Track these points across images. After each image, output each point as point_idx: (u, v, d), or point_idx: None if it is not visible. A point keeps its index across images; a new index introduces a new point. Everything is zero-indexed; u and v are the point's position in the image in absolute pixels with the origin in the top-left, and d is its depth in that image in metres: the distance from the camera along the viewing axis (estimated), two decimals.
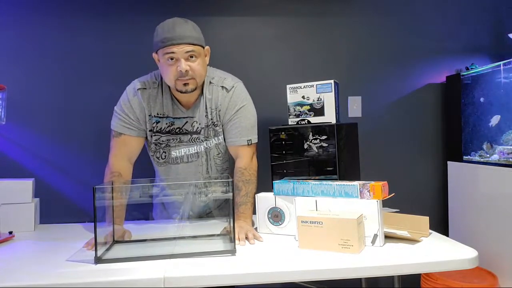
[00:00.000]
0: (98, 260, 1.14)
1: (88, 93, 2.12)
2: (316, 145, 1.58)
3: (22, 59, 2.09)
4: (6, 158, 2.07)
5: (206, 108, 1.52)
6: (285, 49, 2.27)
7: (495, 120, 2.06)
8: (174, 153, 1.55)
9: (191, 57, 1.39)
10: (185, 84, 1.40)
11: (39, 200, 1.69)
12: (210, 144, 1.56)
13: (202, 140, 1.54)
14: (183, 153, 1.55)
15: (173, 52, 1.36)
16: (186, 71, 1.37)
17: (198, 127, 1.53)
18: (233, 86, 1.53)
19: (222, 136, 1.56)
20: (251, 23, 2.25)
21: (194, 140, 1.54)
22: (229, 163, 1.65)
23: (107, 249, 1.26)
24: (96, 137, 2.09)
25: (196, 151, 1.55)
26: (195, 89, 1.44)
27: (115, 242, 1.35)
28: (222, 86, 1.52)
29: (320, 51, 2.28)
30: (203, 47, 1.44)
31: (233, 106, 1.52)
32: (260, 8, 2.25)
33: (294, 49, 2.27)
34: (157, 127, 1.52)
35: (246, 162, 1.52)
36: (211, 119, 1.53)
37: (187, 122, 1.53)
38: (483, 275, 1.97)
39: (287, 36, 2.27)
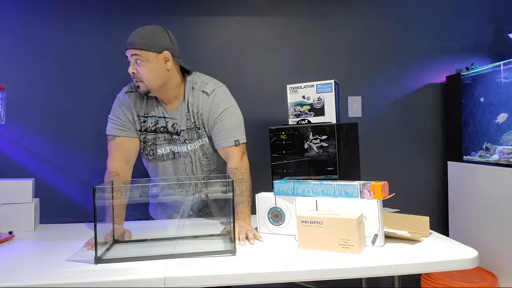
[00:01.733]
0: (98, 260, 1.14)
1: (88, 93, 2.12)
2: (316, 145, 1.58)
3: (22, 59, 2.09)
4: (6, 158, 2.07)
5: (188, 112, 1.57)
6: (285, 49, 2.27)
7: (502, 118, 2.05)
8: (160, 150, 1.61)
9: (138, 61, 1.47)
10: (138, 87, 1.51)
11: (39, 200, 1.69)
12: (195, 146, 1.60)
13: (182, 141, 1.59)
14: (168, 151, 1.61)
15: (126, 56, 1.49)
16: (132, 73, 1.48)
17: (178, 129, 1.59)
18: (213, 90, 1.57)
19: (206, 138, 1.60)
20: (251, 23, 2.25)
21: (174, 140, 1.60)
22: (217, 165, 1.67)
23: (107, 249, 1.26)
24: (96, 137, 2.09)
25: (177, 151, 1.61)
26: (148, 92, 1.51)
27: (115, 242, 1.35)
28: (203, 91, 1.57)
29: (320, 51, 2.28)
30: (157, 53, 1.48)
31: (216, 109, 1.56)
32: (260, 8, 2.25)
33: (294, 49, 2.27)
34: (144, 126, 1.59)
35: (237, 162, 1.54)
36: (194, 122, 1.58)
37: (168, 122, 1.59)
38: (483, 275, 1.97)
39: (287, 36, 2.27)
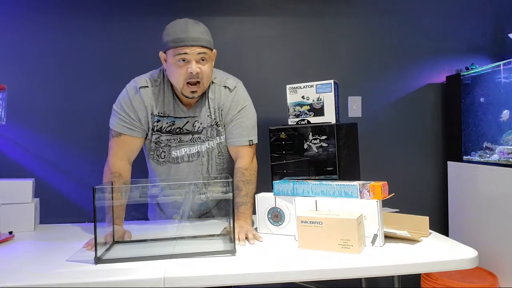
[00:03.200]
0: (98, 260, 1.14)
1: (88, 93, 2.12)
2: (316, 145, 1.58)
3: (22, 59, 2.09)
4: (6, 158, 2.07)
5: (209, 108, 1.52)
6: (285, 49, 2.27)
7: (505, 115, 2.04)
8: (175, 153, 1.55)
9: (202, 59, 1.39)
10: (192, 92, 1.41)
11: (39, 200, 1.69)
12: (213, 144, 1.56)
13: (203, 140, 1.54)
14: (183, 153, 1.55)
15: (185, 53, 1.35)
16: (197, 73, 1.37)
17: (199, 127, 1.53)
18: (235, 86, 1.54)
19: (224, 135, 1.57)
20: (251, 23, 2.25)
21: (195, 140, 1.53)
22: (228, 164, 1.65)
23: (107, 249, 1.26)
24: (96, 137, 2.09)
25: (197, 150, 1.55)
26: (201, 95, 1.46)
27: (115, 242, 1.35)
28: (225, 86, 1.53)
29: (320, 51, 2.28)
30: (212, 51, 1.45)
31: (236, 106, 1.52)
32: (260, 8, 2.25)
33: (294, 49, 2.27)
34: (157, 126, 1.51)
35: (247, 162, 1.52)
36: (214, 119, 1.53)
37: (188, 121, 1.52)
38: (483, 275, 1.97)
39: (287, 36, 2.27)
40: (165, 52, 1.41)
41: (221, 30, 2.22)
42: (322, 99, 1.66)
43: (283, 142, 1.64)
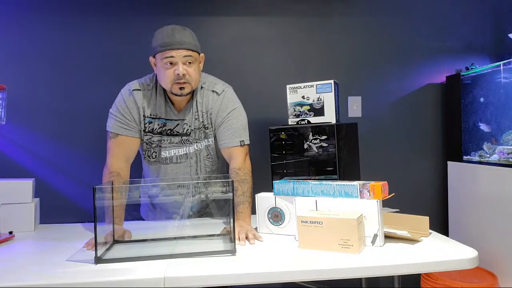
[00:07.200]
0: (98, 260, 1.14)
1: (88, 93, 2.12)
2: (316, 145, 1.58)
3: (22, 59, 2.09)
4: (6, 158, 2.07)
5: (197, 111, 1.57)
6: (285, 49, 2.27)
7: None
8: (164, 153, 1.59)
9: (189, 62, 1.45)
10: (181, 88, 1.46)
11: (39, 200, 1.69)
12: (201, 146, 1.60)
13: (191, 142, 1.59)
14: (172, 154, 1.59)
15: (172, 56, 1.42)
16: (183, 74, 1.43)
17: (188, 129, 1.58)
18: (223, 90, 1.58)
19: (212, 138, 1.60)
20: (251, 23, 2.25)
21: (184, 141, 1.58)
22: (218, 165, 1.68)
23: (107, 249, 1.26)
24: (96, 137, 2.08)
25: (185, 152, 1.59)
26: (190, 93, 1.50)
27: (115, 242, 1.35)
28: (213, 91, 1.57)
29: (320, 51, 2.28)
30: (199, 54, 1.50)
31: (225, 109, 1.56)
32: (260, 8, 2.25)
33: (294, 49, 2.27)
34: (149, 127, 1.56)
35: (240, 162, 1.54)
36: (202, 121, 1.57)
37: (178, 124, 1.57)
38: (483, 275, 1.97)
39: (287, 36, 2.27)
40: (154, 57, 1.48)
41: (221, 30, 2.22)
42: (322, 99, 1.66)
43: (283, 142, 1.64)
